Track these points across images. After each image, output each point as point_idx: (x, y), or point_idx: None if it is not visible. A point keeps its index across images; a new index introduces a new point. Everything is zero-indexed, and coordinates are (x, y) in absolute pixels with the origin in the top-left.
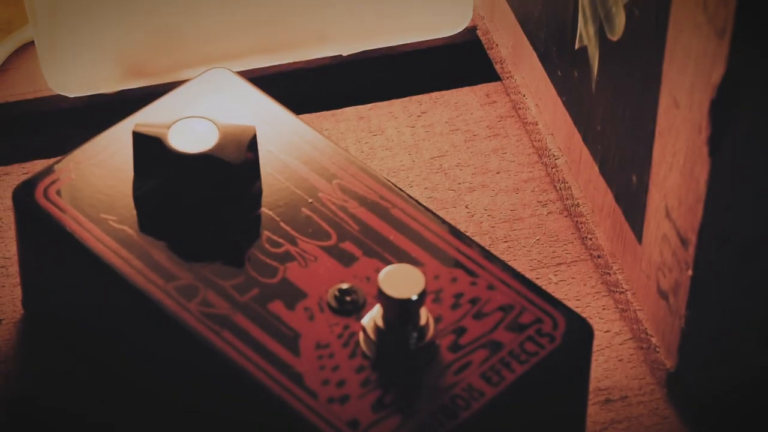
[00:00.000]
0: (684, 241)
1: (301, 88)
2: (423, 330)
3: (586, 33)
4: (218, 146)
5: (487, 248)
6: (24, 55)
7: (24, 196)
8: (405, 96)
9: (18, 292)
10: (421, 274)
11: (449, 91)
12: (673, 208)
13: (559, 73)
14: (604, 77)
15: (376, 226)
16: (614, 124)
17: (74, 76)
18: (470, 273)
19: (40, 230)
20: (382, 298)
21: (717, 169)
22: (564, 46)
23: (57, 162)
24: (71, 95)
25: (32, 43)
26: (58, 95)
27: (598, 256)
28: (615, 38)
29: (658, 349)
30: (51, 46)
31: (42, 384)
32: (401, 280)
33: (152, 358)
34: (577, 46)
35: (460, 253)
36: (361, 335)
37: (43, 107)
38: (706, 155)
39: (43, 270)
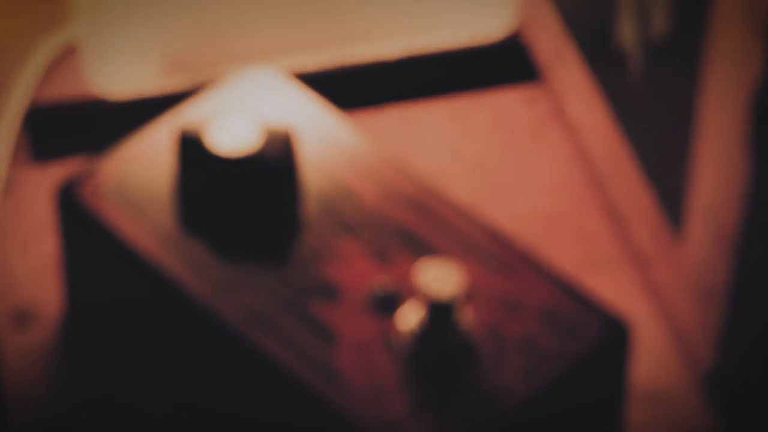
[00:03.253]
0: (725, 239)
1: (344, 85)
2: (461, 329)
3: (628, 33)
4: (260, 146)
5: (526, 248)
6: (66, 56)
7: (68, 195)
8: (446, 96)
9: (58, 291)
10: (460, 273)
11: (491, 91)
12: (715, 207)
13: (600, 73)
14: (646, 77)
15: (415, 225)
16: (656, 124)
17: (117, 76)
18: (509, 272)
19: (84, 228)
20: (421, 296)
21: (758, 167)
22: (606, 46)
23: (99, 160)
24: (114, 96)
25: (74, 43)
26: (101, 96)
27: (639, 256)
28: (657, 38)
29: (698, 349)
30: (94, 46)
31: (82, 383)
32: (440, 279)
33: (192, 355)
34: (618, 47)
35: (498, 253)
36: (399, 334)
37: (84, 108)
38: (746, 153)
39: (85, 268)
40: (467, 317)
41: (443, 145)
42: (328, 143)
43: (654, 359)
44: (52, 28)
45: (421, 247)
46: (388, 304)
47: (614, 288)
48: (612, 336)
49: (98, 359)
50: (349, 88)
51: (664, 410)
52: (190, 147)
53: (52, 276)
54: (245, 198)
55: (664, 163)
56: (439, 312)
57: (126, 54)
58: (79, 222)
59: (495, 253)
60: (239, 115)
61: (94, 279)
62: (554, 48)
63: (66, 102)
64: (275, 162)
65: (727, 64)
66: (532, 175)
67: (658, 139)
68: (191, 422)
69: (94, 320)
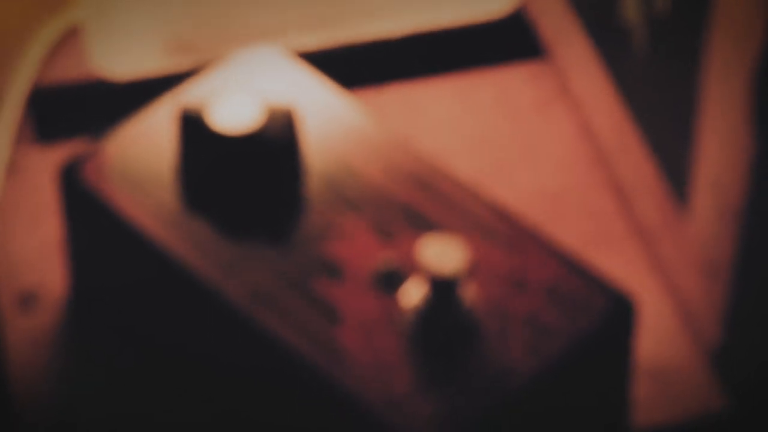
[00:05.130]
0: (731, 214)
1: (347, 64)
2: (465, 306)
3: (632, 8)
4: (262, 125)
5: (530, 225)
6: (70, 38)
7: (71, 176)
8: (449, 73)
9: (62, 273)
10: (464, 249)
11: (494, 68)
12: (720, 181)
13: (605, 49)
14: (651, 52)
15: (419, 202)
16: (661, 98)
17: (120, 57)
18: (513, 248)
19: (86, 209)
20: (424, 273)
21: (763, 139)
22: (610, 22)
23: (101, 140)
24: (117, 76)
25: (77, 24)
26: (104, 76)
27: (644, 232)
28: (660, 12)
29: (705, 325)
30: (97, 28)
31: (87, 365)
32: (443, 255)
33: (197, 335)
34: (622, 22)
35: (503, 229)
36: (402, 311)
37: (88, 89)
38: (751, 125)
39: (89, 250)
40: (471, 294)
41: (447, 123)
42: (331, 121)
43: (660, 335)
44: (55, 9)
45: (424, 224)
46: (391, 281)
47: (620, 264)
48: (617, 312)
49: (102, 341)
50: (352, 66)
51: (670, 387)
52: (192, 126)
53: (57, 258)
54: (248, 177)
55: (669, 138)
56: (443, 288)
57: (129, 35)
58: (82, 202)
59: (499, 230)
60: (241, 93)
61: (98, 260)
62: (558, 24)
63: (69, 83)
64: (277, 140)
65: (730, 36)
66: (536, 152)
67: (663, 114)
68: (195, 401)
69: (98, 302)
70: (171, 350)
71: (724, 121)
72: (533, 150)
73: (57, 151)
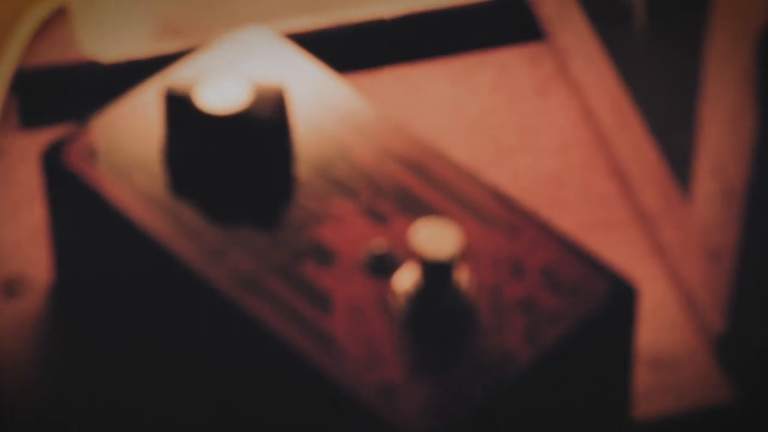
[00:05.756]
0: (733, 197)
1: (341, 46)
2: (460, 291)
3: None
4: (250, 105)
5: (529, 208)
6: (57, 20)
7: (52, 158)
8: (446, 56)
9: (48, 259)
10: (458, 232)
11: (493, 50)
12: (721, 163)
13: (605, 30)
14: (651, 32)
15: (413, 186)
16: (662, 80)
17: (108, 39)
18: (509, 232)
19: (69, 192)
20: (416, 257)
21: (765, 120)
22: (610, 2)
23: (86, 123)
24: (105, 60)
25: (65, 6)
26: (92, 60)
27: (646, 217)
28: None
29: (707, 312)
30: (85, 10)
31: (73, 351)
32: (436, 238)
33: (182, 319)
34: (623, 2)
35: (500, 213)
36: (394, 297)
37: (75, 71)
38: (753, 106)
39: (73, 234)
40: (466, 279)
41: (444, 106)
42: (322, 102)
43: (662, 323)
44: None
45: (419, 208)
46: (384, 266)
47: (622, 251)
48: (618, 297)
49: (88, 327)
50: (346, 49)
51: (672, 376)
52: (178, 106)
53: (42, 244)
54: (236, 158)
55: (670, 120)
56: (436, 272)
57: (117, 18)
58: (65, 186)
59: (497, 214)
60: (229, 73)
61: (82, 245)
62: (558, 5)
63: (56, 66)
64: (266, 120)
65: (732, 15)
66: (536, 135)
67: (664, 95)
68: (182, 388)
69: (84, 287)
70: (157, 336)
71: (727, 102)
72: (532, 133)
73: (43, 135)
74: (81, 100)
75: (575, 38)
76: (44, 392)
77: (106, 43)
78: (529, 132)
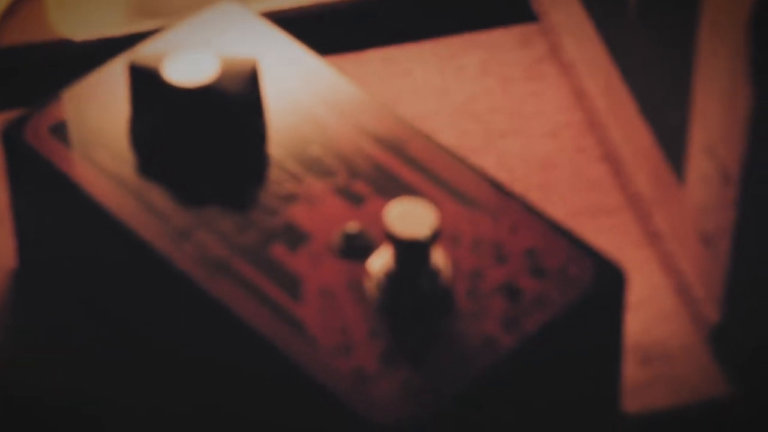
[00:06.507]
0: (727, 179)
1: (325, 29)
2: (437, 274)
3: None
4: (218, 79)
5: (513, 191)
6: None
7: (13, 136)
8: (434, 37)
9: (12, 241)
10: (434, 211)
11: (482, 32)
12: (716, 143)
13: (597, 10)
14: (643, 11)
15: (392, 166)
16: (654, 60)
17: (81, 18)
18: (491, 214)
19: (31, 171)
20: (391, 237)
21: (759, 98)
22: None
23: (50, 99)
24: (78, 38)
25: None
26: (65, 39)
27: (639, 202)
28: None
29: (701, 302)
30: None
31: (40, 335)
32: (411, 217)
33: (149, 303)
34: None
35: (481, 195)
36: (369, 280)
37: (48, 50)
38: (748, 80)
39: (35, 215)
40: (443, 261)
41: (432, 89)
42: (298, 80)
43: (654, 313)
44: None
45: (398, 189)
46: (359, 249)
47: (614, 238)
48: (605, 282)
49: (53, 310)
50: (331, 30)
51: (665, 369)
52: (143, 79)
53: (5, 227)
54: (204, 134)
55: (663, 99)
56: (410, 253)
57: None
58: (25, 164)
59: (479, 196)
60: (199, 48)
61: (45, 227)
62: None
63: (29, 45)
64: (235, 94)
65: None
66: (526, 118)
67: (658, 77)
68: (147, 366)
69: (48, 271)
70: (121, 320)
71: (720, 81)
72: (522, 117)
73: (13, 115)
74: (54, 81)
75: (568, 18)
76: (7, 377)
77: (79, 22)
78: (519, 116)
